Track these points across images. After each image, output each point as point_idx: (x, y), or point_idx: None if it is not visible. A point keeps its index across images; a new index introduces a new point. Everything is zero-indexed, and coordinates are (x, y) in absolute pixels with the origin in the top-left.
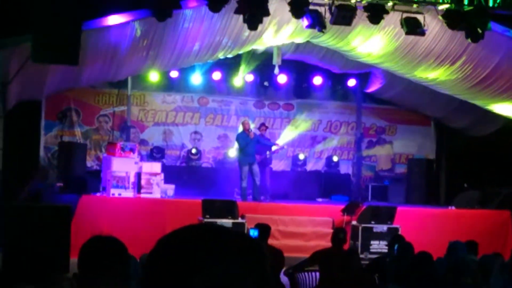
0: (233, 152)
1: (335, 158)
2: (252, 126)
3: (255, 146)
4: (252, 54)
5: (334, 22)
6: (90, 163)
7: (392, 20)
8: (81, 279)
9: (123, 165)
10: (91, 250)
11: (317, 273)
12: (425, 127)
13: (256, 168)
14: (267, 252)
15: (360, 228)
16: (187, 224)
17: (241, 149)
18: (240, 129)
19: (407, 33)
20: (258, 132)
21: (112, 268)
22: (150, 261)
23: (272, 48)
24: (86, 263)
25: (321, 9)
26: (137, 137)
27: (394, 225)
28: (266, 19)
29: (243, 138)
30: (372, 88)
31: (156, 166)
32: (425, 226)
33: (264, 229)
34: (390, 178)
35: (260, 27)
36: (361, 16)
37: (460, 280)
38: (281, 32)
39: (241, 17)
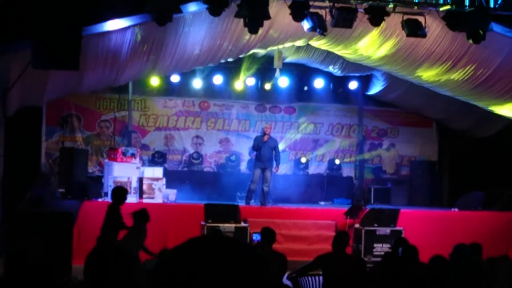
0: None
1: (337, 161)
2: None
3: (270, 152)
4: (253, 57)
5: (335, 24)
6: (92, 168)
7: (393, 22)
8: (87, 286)
9: (124, 170)
10: (98, 258)
11: (321, 277)
12: (427, 128)
13: (268, 174)
14: (265, 261)
15: (363, 231)
16: (190, 228)
17: (255, 152)
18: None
19: (408, 35)
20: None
21: (118, 276)
22: (157, 273)
23: (273, 52)
24: (92, 271)
25: (322, 12)
26: (139, 142)
27: (397, 228)
28: (266, 23)
29: (258, 141)
30: (374, 90)
31: (157, 171)
32: (428, 228)
33: (268, 233)
34: (392, 181)
35: (260, 30)
36: (362, 18)
37: (470, 283)
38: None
39: (241, 20)
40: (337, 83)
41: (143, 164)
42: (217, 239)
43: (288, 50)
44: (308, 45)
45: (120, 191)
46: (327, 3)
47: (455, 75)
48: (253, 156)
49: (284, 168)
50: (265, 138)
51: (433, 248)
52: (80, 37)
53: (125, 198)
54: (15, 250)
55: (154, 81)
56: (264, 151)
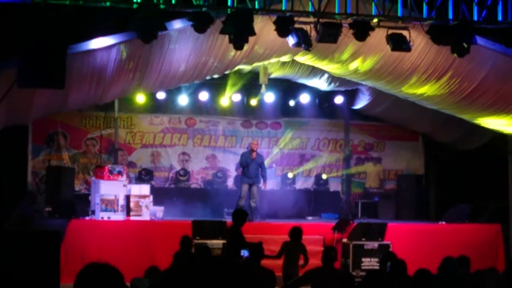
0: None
1: (324, 176)
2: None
3: (257, 168)
4: (238, 73)
5: (320, 39)
6: (79, 186)
7: (378, 37)
8: None
9: (111, 188)
10: (87, 277)
11: None
12: (414, 142)
13: (255, 190)
14: (254, 277)
15: (351, 245)
16: (178, 245)
17: (243, 168)
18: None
19: (393, 49)
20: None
21: None
22: None
23: (258, 68)
24: None
25: (307, 27)
26: (125, 159)
27: (385, 242)
28: (251, 39)
29: (246, 157)
30: (360, 104)
31: (144, 188)
32: (416, 242)
33: (256, 248)
34: (379, 195)
35: (245, 46)
36: (346, 33)
37: None
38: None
39: (226, 37)
40: (323, 98)
41: (130, 182)
42: (208, 259)
43: (273, 66)
44: (294, 60)
45: (240, 213)
46: (311, 19)
47: (440, 89)
48: (239, 172)
49: (271, 184)
50: (254, 155)
51: (421, 262)
52: (65, 56)
53: (245, 220)
54: (1, 269)
55: (140, 98)
56: (252, 168)
